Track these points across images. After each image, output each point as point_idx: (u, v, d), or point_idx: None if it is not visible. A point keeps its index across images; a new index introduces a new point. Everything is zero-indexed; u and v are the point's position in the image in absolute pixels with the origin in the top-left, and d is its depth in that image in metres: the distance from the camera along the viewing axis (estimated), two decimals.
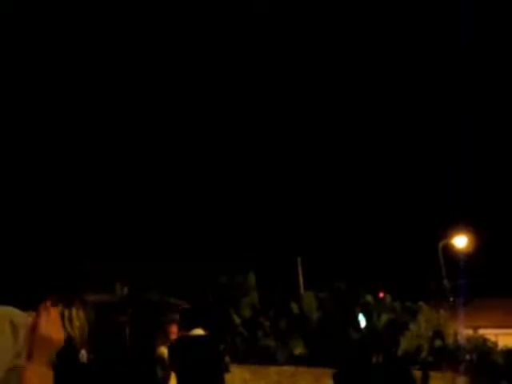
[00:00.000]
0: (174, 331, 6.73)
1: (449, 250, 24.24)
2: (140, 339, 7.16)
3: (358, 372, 5.94)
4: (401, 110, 35.64)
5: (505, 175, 32.65)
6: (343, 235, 25.28)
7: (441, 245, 23.75)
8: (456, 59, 28.92)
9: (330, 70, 33.36)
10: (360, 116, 34.67)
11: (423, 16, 33.23)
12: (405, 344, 17.01)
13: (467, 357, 20.68)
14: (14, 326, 1.71)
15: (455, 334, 21.33)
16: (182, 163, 21.60)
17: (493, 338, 24.46)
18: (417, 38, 34.61)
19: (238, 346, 12.81)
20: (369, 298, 17.65)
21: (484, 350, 22.07)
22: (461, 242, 24.25)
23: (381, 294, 19.10)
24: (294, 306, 15.17)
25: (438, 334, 19.76)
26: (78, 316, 2.03)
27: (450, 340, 20.46)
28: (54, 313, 1.78)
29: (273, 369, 12.94)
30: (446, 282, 23.26)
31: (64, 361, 1.87)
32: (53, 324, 1.74)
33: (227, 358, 6.88)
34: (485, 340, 23.24)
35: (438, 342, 19.41)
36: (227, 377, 6.35)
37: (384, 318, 17.23)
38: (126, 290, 10.13)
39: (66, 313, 1.99)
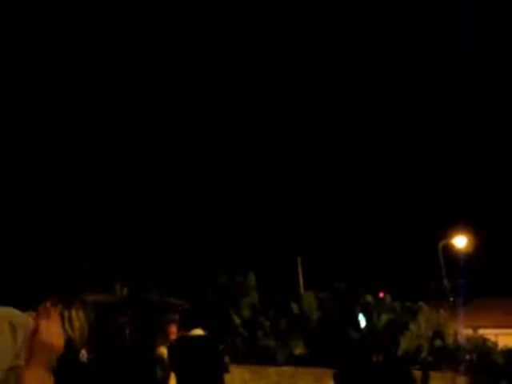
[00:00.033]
0: (173, 331, 6.73)
1: (449, 250, 24.25)
2: (140, 339, 7.16)
3: (358, 372, 5.94)
4: (401, 110, 35.66)
5: (505, 175, 32.67)
6: (343, 235, 25.29)
7: (441, 245, 23.77)
8: (456, 59, 28.94)
9: (329, 69, 33.38)
10: (360, 116, 34.68)
11: (423, 16, 33.25)
12: (405, 344, 17.02)
13: (467, 357, 20.69)
14: (12, 327, 1.71)
15: (455, 334, 21.34)
16: (181, 163, 21.61)
17: (493, 338, 24.47)
18: (417, 38, 34.63)
19: (238, 346, 12.81)
20: (369, 298, 17.66)
21: (484, 350, 22.08)
22: (461, 242, 24.26)
23: (381, 294, 19.11)
24: (294, 306, 15.17)
25: (438, 334, 19.77)
26: (78, 316, 2.03)
27: (450, 340, 20.47)
28: (55, 316, 1.77)
29: (273, 369, 12.94)
30: (446, 282, 23.27)
31: (64, 361, 1.86)
32: (53, 329, 1.73)
33: (227, 358, 6.88)
34: (485, 340, 23.24)
35: (438, 342, 19.42)
36: (227, 377, 6.35)
37: (384, 317, 17.24)
38: (125, 290, 10.14)
39: (66, 313, 1.98)
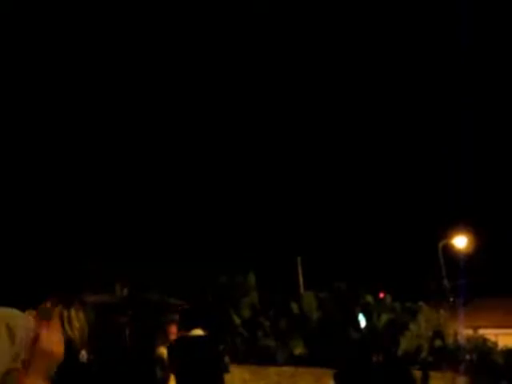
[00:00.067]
0: (173, 331, 6.72)
1: (449, 250, 24.26)
2: (140, 339, 7.15)
3: (358, 372, 5.95)
4: (401, 110, 35.65)
5: (505, 175, 32.67)
6: (343, 235, 25.29)
7: (441, 245, 23.77)
8: (456, 59, 28.93)
9: (329, 70, 33.37)
10: (360, 116, 34.66)
11: (423, 16, 33.25)
12: (405, 344, 17.02)
13: (467, 357, 20.69)
14: (9, 329, 1.69)
15: (455, 334, 21.33)
16: (181, 164, 21.61)
17: (493, 338, 24.47)
18: (417, 38, 34.62)
19: (238, 346, 12.80)
20: (369, 298, 17.66)
21: (484, 349, 22.08)
22: (461, 242, 24.28)
23: (381, 294, 19.10)
24: (294, 306, 15.17)
25: (438, 333, 19.77)
26: (78, 317, 2.02)
27: (450, 340, 20.46)
28: (56, 326, 1.77)
29: (272, 369, 12.94)
30: (446, 282, 23.28)
31: (64, 361, 1.86)
32: (54, 337, 1.73)
33: (227, 359, 6.89)
34: (485, 340, 23.25)
35: (438, 342, 19.41)
36: (227, 377, 6.35)
37: (384, 318, 17.24)
38: (125, 290, 10.13)
39: (66, 313, 1.97)
